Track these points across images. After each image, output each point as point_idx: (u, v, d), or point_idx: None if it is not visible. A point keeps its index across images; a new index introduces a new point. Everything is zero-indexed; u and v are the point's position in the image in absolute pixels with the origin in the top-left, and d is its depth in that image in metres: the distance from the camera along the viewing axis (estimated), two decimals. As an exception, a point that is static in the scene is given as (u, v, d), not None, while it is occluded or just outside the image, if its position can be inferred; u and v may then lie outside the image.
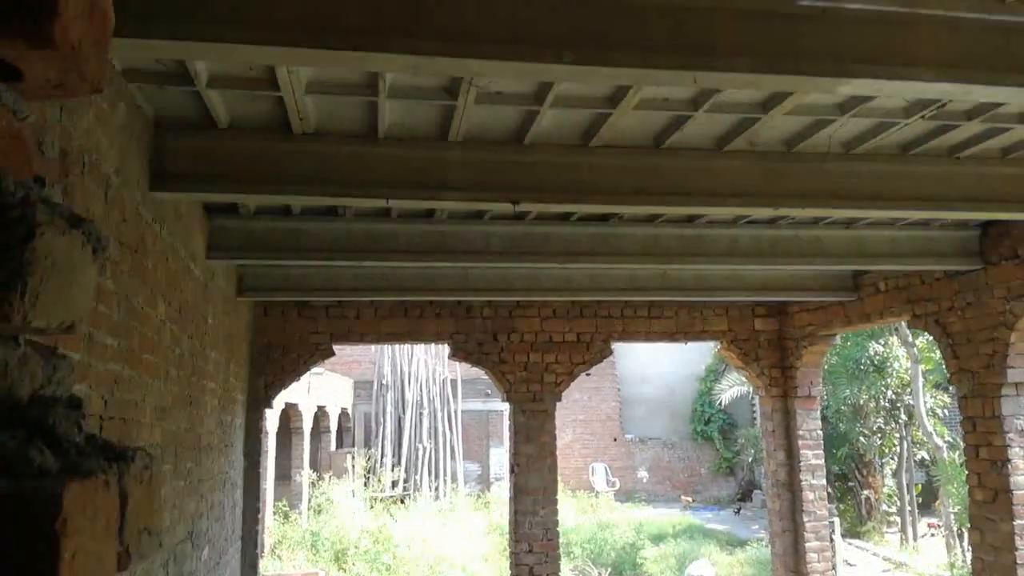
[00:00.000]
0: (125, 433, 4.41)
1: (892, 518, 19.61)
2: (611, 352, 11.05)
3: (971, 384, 7.83)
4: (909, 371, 17.32)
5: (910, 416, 18.21)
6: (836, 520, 15.47)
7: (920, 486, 19.70)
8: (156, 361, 5.06)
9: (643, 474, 28.57)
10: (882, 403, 18.64)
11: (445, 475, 25.31)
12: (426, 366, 26.02)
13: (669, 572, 16.56)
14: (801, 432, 11.12)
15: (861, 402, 18.80)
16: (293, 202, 6.08)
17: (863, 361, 18.23)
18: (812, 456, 11.10)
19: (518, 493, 10.40)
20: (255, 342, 9.78)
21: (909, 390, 17.68)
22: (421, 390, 25.89)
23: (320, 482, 21.20)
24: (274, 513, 18.24)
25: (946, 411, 18.76)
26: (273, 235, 6.86)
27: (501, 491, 23.43)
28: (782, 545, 11.17)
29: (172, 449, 5.60)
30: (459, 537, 18.76)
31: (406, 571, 16.30)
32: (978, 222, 7.35)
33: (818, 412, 11.38)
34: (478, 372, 14.74)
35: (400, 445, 25.38)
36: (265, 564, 14.00)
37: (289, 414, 19.82)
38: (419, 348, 25.36)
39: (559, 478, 11.06)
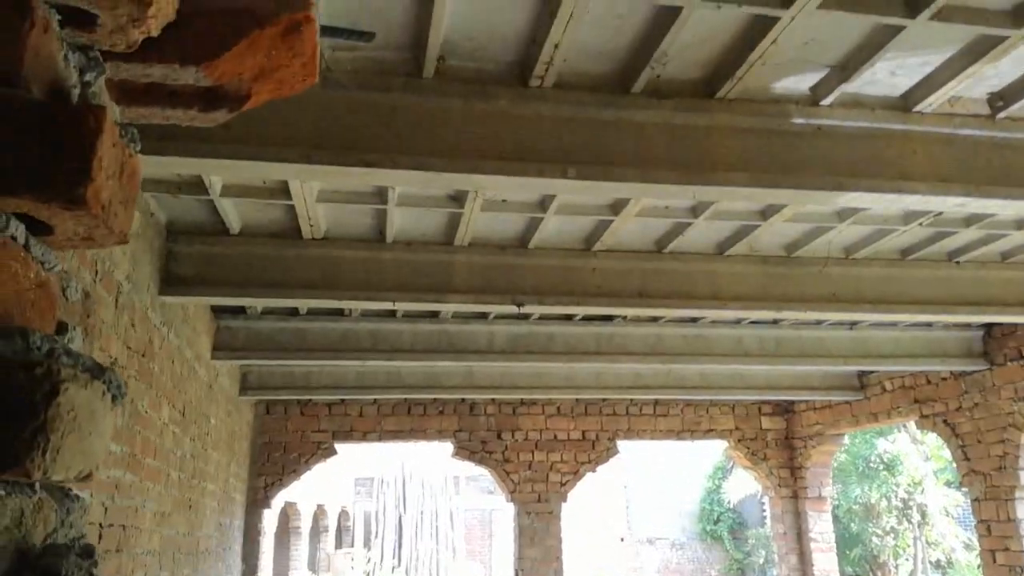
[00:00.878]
0: (124, 541, 4.33)
1: (910, 622, 18.86)
2: (617, 451, 10.89)
3: (983, 486, 7.69)
4: (919, 469, 17.01)
5: (923, 515, 17.77)
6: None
7: (937, 589, 19.03)
8: (157, 465, 5.02)
9: (651, 577, 27.66)
10: (894, 502, 18.22)
11: (447, 577, 24.55)
12: (428, 462, 25.61)
13: None
14: (813, 535, 10.84)
15: (872, 501, 18.38)
16: (301, 305, 6.15)
17: (872, 459, 17.93)
18: (824, 560, 10.79)
19: (522, 599, 10.07)
20: (256, 441, 9.68)
21: (921, 488, 17.30)
22: (422, 487, 25.40)
23: (318, 584, 20.53)
24: (270, 617, 17.60)
25: (959, 509, 18.31)
26: (279, 335, 6.90)
27: (504, 594, 22.65)
28: (797, 655, 10.72)
29: (170, 555, 5.48)
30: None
31: None
32: (981, 323, 7.37)
33: (829, 513, 11.13)
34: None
35: (400, 545, 24.72)
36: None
37: (288, 513, 19.39)
38: (421, 444, 25.00)
39: (564, 582, 10.71)
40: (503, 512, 25.59)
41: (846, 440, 11.54)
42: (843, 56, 3.40)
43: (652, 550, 28.35)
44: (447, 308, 6.28)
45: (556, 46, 3.15)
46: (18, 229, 0.95)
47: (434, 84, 3.37)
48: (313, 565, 22.77)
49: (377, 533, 25.14)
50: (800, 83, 3.59)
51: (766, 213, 4.88)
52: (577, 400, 10.50)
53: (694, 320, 7.35)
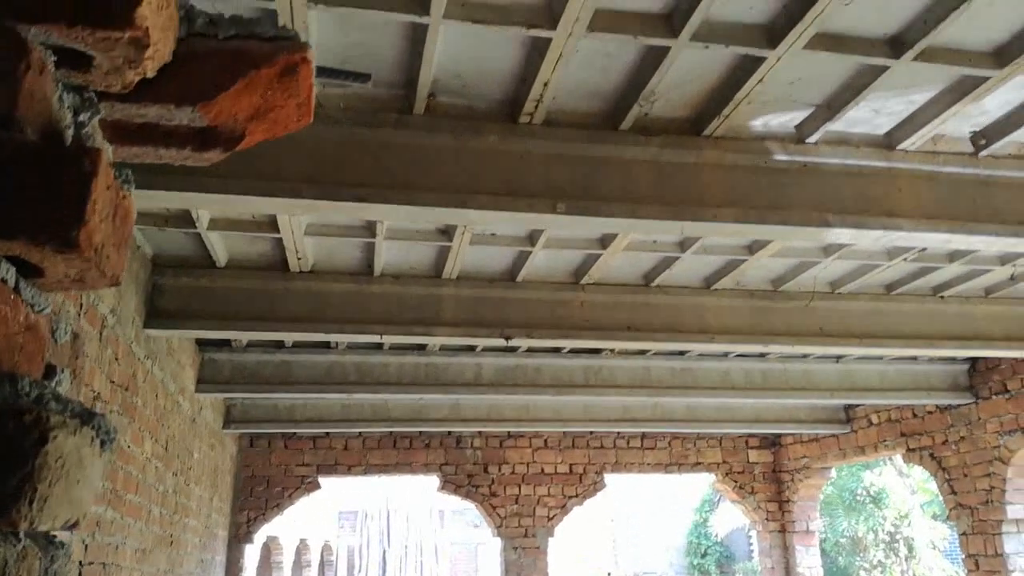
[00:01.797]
0: (103, 579, 4.24)
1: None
2: (605, 485, 10.82)
3: (971, 520, 7.69)
4: (906, 502, 17.00)
5: (910, 549, 17.71)
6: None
7: (926, 624, 18.90)
8: (139, 501, 4.93)
9: (639, 612, 27.34)
10: (881, 535, 18.16)
11: (431, 613, 24.18)
12: (413, 495, 25.33)
13: None
14: (801, 569, 10.76)
15: (860, 534, 18.31)
16: (288, 339, 6.10)
17: (859, 492, 17.90)
18: (813, 595, 10.70)
19: (508, 636, 9.91)
20: (239, 475, 9.55)
21: (908, 522, 17.27)
22: (407, 521, 25.10)
23: (299, 621, 20.14)
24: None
25: (946, 543, 18.26)
26: (264, 368, 6.85)
27: (490, 630, 22.29)
28: None
29: (149, 594, 5.37)
30: None
31: None
32: (966, 357, 7.42)
33: (817, 548, 11.06)
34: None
35: (385, 580, 24.35)
36: None
37: (270, 547, 19.07)
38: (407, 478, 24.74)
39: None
40: (489, 546, 25.28)
41: (833, 473, 11.51)
42: (828, 95, 3.45)
43: (639, 584, 28.05)
44: (435, 341, 6.26)
45: (545, 84, 3.18)
46: (8, 272, 0.93)
47: (425, 120, 3.39)
48: (295, 601, 22.34)
49: (361, 567, 24.77)
50: (786, 121, 3.64)
51: (752, 248, 4.91)
52: (564, 433, 10.44)
53: (681, 353, 7.35)
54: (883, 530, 18.10)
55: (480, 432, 10.25)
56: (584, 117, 3.54)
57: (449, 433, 10.17)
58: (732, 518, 23.32)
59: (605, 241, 4.76)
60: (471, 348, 6.96)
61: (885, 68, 3.17)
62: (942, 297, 5.88)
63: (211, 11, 1.22)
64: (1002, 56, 3.17)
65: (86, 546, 3.92)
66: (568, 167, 3.47)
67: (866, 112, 3.57)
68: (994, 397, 7.42)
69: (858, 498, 17.92)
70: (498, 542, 10.56)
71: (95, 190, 0.87)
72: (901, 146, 3.74)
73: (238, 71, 1.09)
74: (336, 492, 25.07)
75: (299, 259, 4.85)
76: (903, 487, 17.18)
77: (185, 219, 4.27)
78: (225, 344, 6.66)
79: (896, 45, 3.08)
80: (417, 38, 2.94)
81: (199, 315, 4.98)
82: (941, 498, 8.69)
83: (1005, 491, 7.30)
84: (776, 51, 2.98)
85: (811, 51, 3.02)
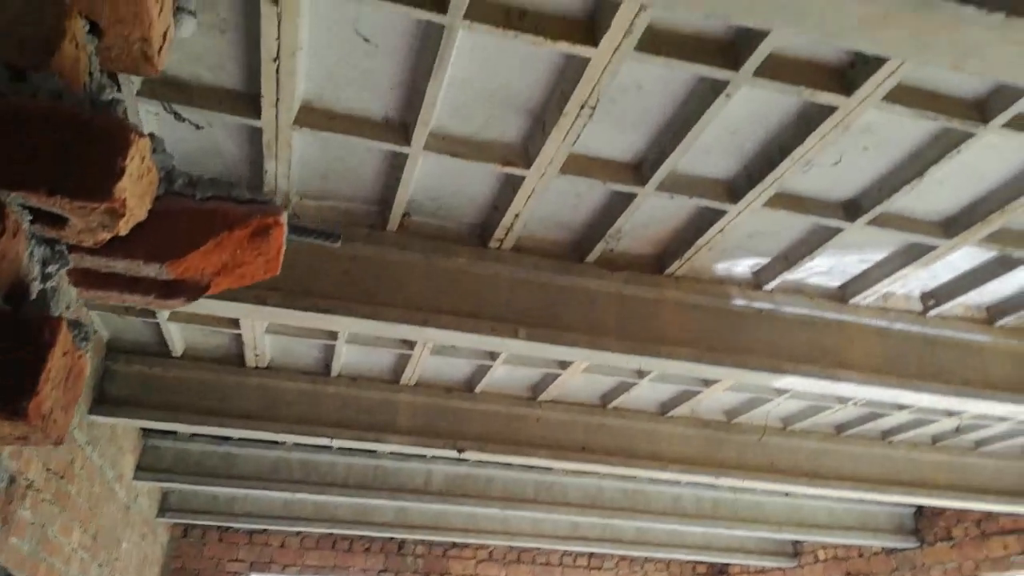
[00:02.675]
0: None
1: None
2: (548, 604, 10.48)
3: (914, 670, 7.56)
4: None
5: None
6: None
7: None
8: (57, 596, 4.67)
9: None
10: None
11: None
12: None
13: None
14: None
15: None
16: (237, 435, 5.97)
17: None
18: None
19: None
20: (168, 566, 9.11)
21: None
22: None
23: None
24: None
25: None
26: (207, 459, 6.66)
27: None
28: None
29: None
30: None
31: None
32: (912, 501, 7.47)
33: None
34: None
35: None
36: None
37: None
38: None
39: None
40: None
41: (780, 607, 11.29)
42: (786, 248, 3.60)
43: None
44: (387, 448, 6.15)
45: (516, 215, 3.28)
46: (-49, 424, 0.93)
47: (396, 237, 3.45)
48: None
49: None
50: (745, 267, 3.77)
51: (708, 380, 4.98)
52: (511, 547, 10.18)
53: (634, 475, 7.30)
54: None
55: (424, 540, 9.95)
56: (552, 246, 3.63)
57: (391, 538, 9.86)
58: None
59: (565, 362, 4.80)
60: (422, 455, 6.84)
61: (840, 229, 3.32)
62: (890, 442, 5.97)
63: (192, 173, 1.27)
64: (950, 227, 3.34)
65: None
66: (533, 294, 3.54)
67: (822, 266, 3.72)
68: (938, 544, 7.43)
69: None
70: (433, 657, 10.09)
71: (51, 360, 0.88)
72: (853, 300, 3.88)
73: (211, 231, 1.13)
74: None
75: (257, 355, 4.81)
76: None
77: (146, 310, 4.23)
78: (170, 432, 6.48)
79: (852, 209, 3.24)
80: (397, 163, 3.03)
81: (147, 404, 4.87)
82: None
83: (949, 641, 7.23)
84: (737, 206, 3.12)
85: (770, 208, 3.16)
